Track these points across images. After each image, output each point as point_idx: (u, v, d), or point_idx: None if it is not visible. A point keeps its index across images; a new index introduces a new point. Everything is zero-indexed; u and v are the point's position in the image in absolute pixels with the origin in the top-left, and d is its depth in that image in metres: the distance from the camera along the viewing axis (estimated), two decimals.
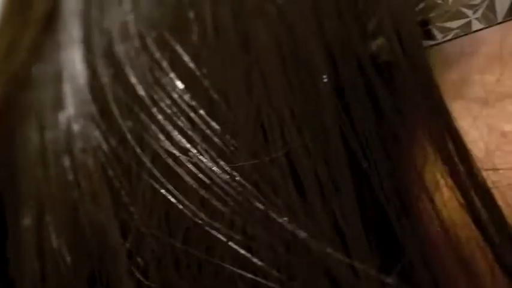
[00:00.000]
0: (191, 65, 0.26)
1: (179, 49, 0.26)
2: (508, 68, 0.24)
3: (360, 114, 0.24)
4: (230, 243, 0.24)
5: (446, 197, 0.24)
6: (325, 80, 0.24)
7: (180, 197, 0.25)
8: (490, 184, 0.24)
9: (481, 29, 0.23)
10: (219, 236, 0.24)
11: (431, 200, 0.24)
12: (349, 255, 0.24)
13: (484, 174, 0.24)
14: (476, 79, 0.24)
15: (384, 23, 0.24)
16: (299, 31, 0.25)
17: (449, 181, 0.24)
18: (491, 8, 0.23)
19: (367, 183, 0.24)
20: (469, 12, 0.23)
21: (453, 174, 0.23)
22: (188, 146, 0.25)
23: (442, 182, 0.24)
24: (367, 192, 0.24)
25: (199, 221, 0.24)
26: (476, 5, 0.23)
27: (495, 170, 0.24)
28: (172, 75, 0.26)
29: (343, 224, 0.24)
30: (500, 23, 0.23)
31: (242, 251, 0.24)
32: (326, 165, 0.24)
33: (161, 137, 0.26)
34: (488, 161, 0.24)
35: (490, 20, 0.23)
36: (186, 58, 0.26)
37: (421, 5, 0.24)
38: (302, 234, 0.23)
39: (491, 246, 0.23)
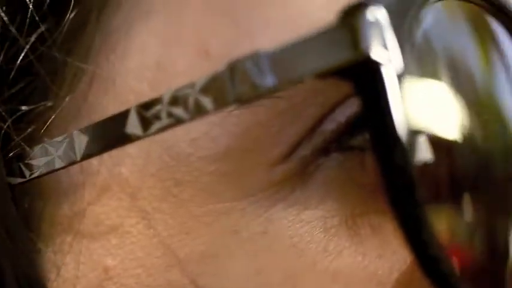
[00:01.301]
0: None
1: None
2: (108, 196, 0.24)
3: None
4: None
5: None
6: None
7: None
8: None
9: (62, 167, 0.23)
10: None
11: None
12: None
13: None
14: (86, 211, 0.24)
15: None
16: None
17: None
18: (71, 146, 0.23)
19: None
20: (52, 149, 0.23)
21: None
22: None
23: None
24: None
25: None
26: (59, 143, 0.23)
27: None
28: None
29: None
30: (79, 161, 0.22)
31: None
32: None
33: None
34: None
35: (70, 158, 0.23)
36: None
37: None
38: None
39: None
